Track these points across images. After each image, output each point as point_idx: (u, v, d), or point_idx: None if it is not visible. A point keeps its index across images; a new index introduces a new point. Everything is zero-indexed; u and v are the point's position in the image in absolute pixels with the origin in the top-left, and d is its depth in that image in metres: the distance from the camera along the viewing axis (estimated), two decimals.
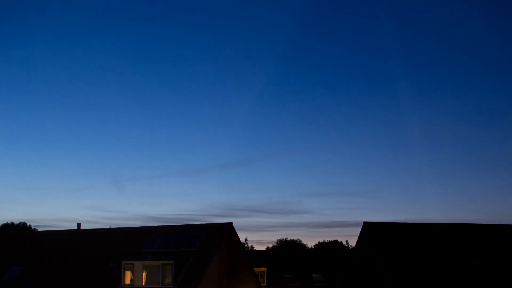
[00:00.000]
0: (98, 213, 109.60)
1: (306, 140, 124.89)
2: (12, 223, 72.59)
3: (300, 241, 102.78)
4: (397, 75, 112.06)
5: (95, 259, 35.02)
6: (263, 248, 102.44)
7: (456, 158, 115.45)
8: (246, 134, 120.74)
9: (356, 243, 33.57)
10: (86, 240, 38.00)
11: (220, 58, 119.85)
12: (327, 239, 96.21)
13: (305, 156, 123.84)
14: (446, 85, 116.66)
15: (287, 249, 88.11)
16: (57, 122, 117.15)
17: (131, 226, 39.76)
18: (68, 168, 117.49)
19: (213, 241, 32.67)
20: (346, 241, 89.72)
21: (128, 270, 31.77)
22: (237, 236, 35.11)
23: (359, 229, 33.00)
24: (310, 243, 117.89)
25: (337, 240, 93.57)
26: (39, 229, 55.32)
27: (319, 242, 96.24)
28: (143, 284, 31.06)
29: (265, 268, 53.49)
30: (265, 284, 52.12)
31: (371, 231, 31.93)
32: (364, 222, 32.56)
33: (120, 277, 31.83)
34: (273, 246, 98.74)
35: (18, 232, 62.81)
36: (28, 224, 73.50)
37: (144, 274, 31.31)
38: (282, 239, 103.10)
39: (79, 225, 41.06)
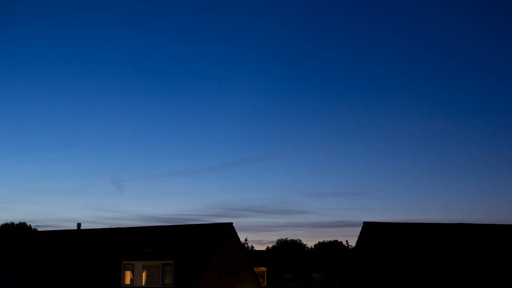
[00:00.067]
0: (98, 213, 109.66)
1: (306, 140, 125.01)
2: (12, 223, 72.61)
3: (300, 241, 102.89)
4: (397, 75, 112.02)
5: (95, 259, 35.00)
6: (263, 248, 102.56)
7: (456, 158, 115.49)
8: (246, 134, 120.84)
9: (356, 243, 33.56)
10: (86, 240, 37.97)
11: (220, 58, 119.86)
12: (327, 239, 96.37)
13: (305, 156, 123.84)
14: (446, 86, 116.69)
15: (287, 249, 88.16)
16: (57, 122, 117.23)
17: (131, 226, 39.78)
18: (68, 168, 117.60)
19: (213, 241, 32.65)
20: (346, 241, 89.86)
21: (128, 270, 31.74)
22: (237, 236, 35.11)
23: (359, 229, 33.08)
24: (310, 243, 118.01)
25: (337, 240, 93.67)
26: (39, 229, 55.40)
27: (319, 242, 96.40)
28: (143, 284, 31.03)
29: (265, 268, 53.51)
30: (265, 284, 52.13)
31: (371, 231, 31.93)
32: (364, 222, 32.58)
33: (120, 277, 31.82)
34: (273, 246, 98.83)
35: (18, 232, 62.80)
36: (28, 224, 73.56)
37: (144, 274, 31.29)
38: (282, 239, 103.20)
39: (79, 225, 41.06)
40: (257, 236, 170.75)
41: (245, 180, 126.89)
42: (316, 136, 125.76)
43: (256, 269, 45.22)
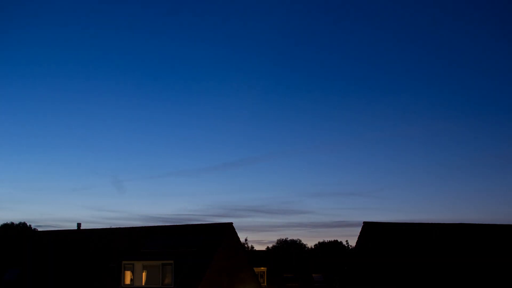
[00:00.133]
0: (98, 213, 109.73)
1: (306, 140, 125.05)
2: (12, 223, 72.63)
3: (300, 241, 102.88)
4: (397, 76, 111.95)
5: (95, 259, 34.99)
6: (263, 248, 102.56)
7: (456, 158, 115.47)
8: (246, 134, 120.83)
9: (356, 243, 33.55)
10: (86, 240, 37.97)
11: (220, 59, 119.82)
12: (327, 239, 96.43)
13: (305, 156, 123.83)
14: (446, 86, 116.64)
15: (287, 249, 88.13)
16: (57, 122, 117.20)
17: (131, 226, 39.78)
18: (68, 168, 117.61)
19: (213, 241, 32.64)
20: (346, 241, 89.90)
21: (128, 270, 31.73)
22: (237, 236, 35.10)
23: (359, 229, 33.06)
24: (310, 243, 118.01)
25: (337, 240, 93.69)
26: (39, 229, 55.40)
27: (319, 242, 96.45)
28: (143, 284, 31.02)
29: (265, 268, 53.49)
30: (265, 284, 52.11)
31: (371, 231, 31.92)
32: (364, 222, 32.56)
33: (120, 277, 31.80)
34: (273, 246, 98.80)
35: (18, 232, 62.78)
36: (28, 224, 73.58)
37: (144, 274, 31.27)
38: (282, 239, 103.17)
39: (79, 225, 41.07)
40: (257, 236, 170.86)
41: (245, 180, 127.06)
42: (316, 136, 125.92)
43: (256, 269, 45.22)
